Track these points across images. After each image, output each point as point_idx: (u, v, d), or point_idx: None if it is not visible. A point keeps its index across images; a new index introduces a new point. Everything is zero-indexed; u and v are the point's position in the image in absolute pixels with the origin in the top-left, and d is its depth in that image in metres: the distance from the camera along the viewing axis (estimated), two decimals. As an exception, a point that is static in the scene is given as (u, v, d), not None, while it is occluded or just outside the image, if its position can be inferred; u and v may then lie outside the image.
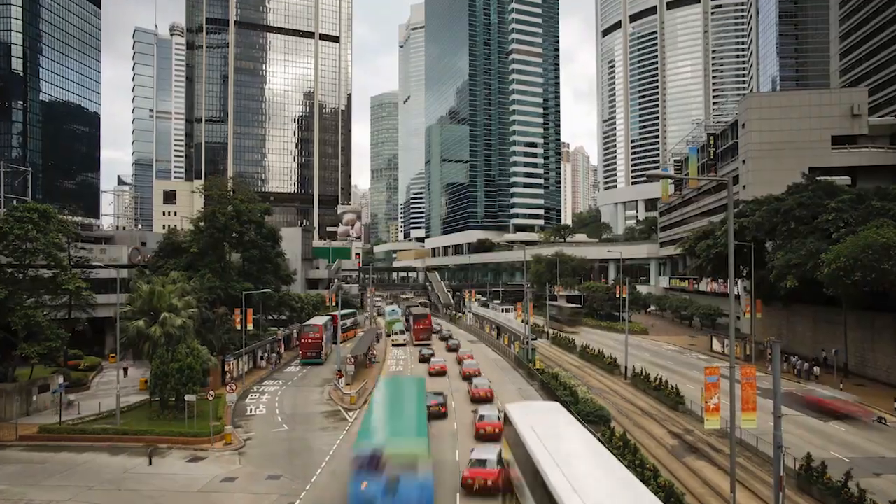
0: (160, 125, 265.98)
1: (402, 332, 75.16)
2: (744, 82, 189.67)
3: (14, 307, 35.73)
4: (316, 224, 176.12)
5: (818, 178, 54.07)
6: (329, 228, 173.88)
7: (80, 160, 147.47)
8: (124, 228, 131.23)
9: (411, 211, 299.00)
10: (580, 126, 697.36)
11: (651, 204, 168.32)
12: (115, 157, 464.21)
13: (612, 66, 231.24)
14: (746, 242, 50.78)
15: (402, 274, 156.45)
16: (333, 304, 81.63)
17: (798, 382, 44.57)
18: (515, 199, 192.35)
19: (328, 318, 66.03)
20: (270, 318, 70.87)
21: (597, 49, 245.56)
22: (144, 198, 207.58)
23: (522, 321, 59.52)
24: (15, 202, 43.59)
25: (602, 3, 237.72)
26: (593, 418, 32.18)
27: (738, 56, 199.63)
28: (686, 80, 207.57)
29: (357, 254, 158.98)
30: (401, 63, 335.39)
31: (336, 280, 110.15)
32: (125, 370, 48.61)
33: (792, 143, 66.26)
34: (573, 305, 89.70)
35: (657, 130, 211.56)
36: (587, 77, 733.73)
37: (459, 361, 54.85)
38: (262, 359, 54.91)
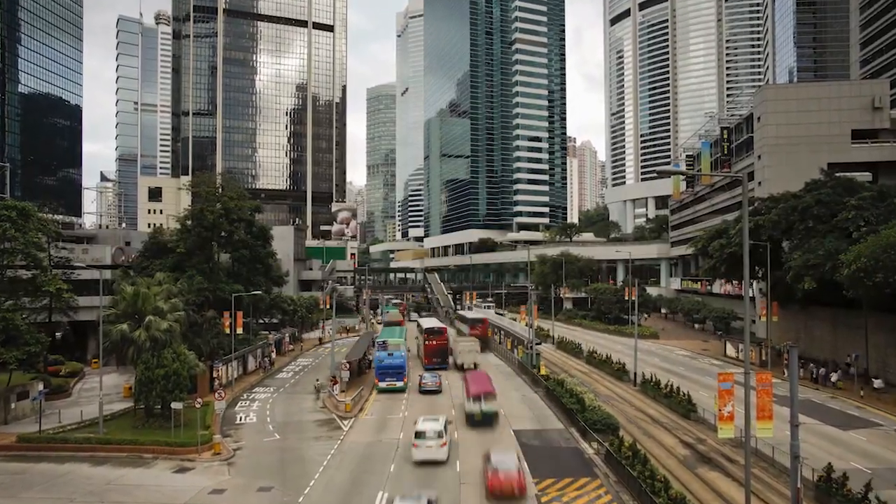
0: (145, 119, 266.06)
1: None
2: (759, 73, 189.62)
3: (-9, 310, 35.70)
4: (309, 223, 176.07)
5: (837, 175, 54.03)
6: (323, 227, 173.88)
7: (60, 155, 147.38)
8: (107, 227, 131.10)
9: (409, 209, 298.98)
10: (587, 119, 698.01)
11: (662, 201, 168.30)
12: (98, 152, 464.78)
13: (620, 57, 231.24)
14: (762, 242, 50.76)
15: (400, 275, 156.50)
16: (327, 306, 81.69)
17: (817, 389, 44.60)
18: (519, 197, 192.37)
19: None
20: (261, 321, 70.90)
21: (604, 38, 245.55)
22: (129, 195, 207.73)
23: (526, 325, 59.54)
24: (-8, 199, 43.58)
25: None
26: (601, 427, 32.22)
27: (753, 46, 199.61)
28: (698, 71, 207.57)
29: (352, 254, 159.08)
30: (398, 53, 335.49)
31: (330, 282, 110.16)
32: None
33: (810, 138, 66.25)
34: None
35: (668, 124, 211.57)
36: (595, 65, 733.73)
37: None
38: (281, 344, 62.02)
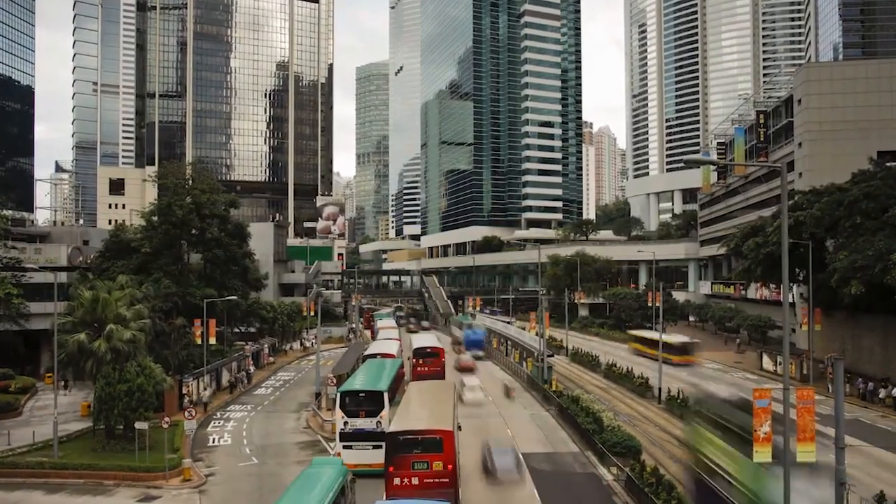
0: (106, 101, 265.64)
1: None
2: (800, 50, 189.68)
3: (-68, 318, 35.73)
4: (291, 219, 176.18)
5: (888, 164, 54.00)
6: (307, 224, 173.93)
7: (9, 143, 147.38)
8: (63, 224, 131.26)
9: (404, 203, 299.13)
10: (606, 101, 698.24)
11: (690, 195, 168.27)
12: (53, 139, 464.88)
13: (643, 32, 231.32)
14: (803, 240, 50.73)
15: (394, 278, 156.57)
16: (312, 313, 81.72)
17: (865, 407, 44.65)
18: (528, 190, 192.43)
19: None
20: (237, 330, 70.93)
21: (625, 10, 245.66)
22: (87, 187, 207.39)
23: (536, 334, 59.56)
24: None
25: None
26: (621, 449, 32.24)
27: (792, 20, 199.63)
28: (731, 47, 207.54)
29: (340, 254, 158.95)
30: (392, 28, 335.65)
31: (315, 285, 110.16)
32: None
33: (857, 123, 66.20)
34: None
35: (697, 107, 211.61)
36: (615, 39, 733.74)
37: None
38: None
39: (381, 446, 29.03)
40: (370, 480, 28.12)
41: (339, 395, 33.07)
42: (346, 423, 31.74)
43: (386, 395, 32.68)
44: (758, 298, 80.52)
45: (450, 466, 24.09)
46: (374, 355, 49.21)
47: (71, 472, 31.43)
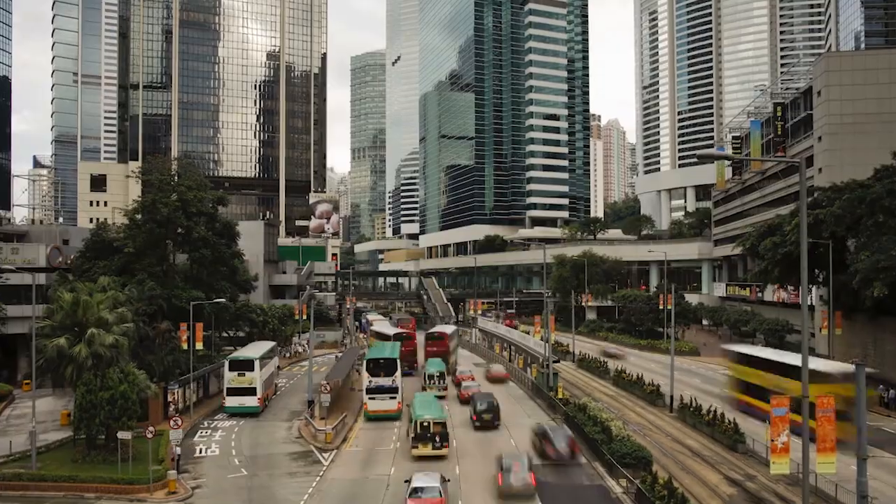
0: (87, 93, 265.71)
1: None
2: (819, 39, 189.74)
3: None
4: (282, 217, 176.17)
5: (913, 160, 53.97)
6: (299, 222, 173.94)
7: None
8: (41, 222, 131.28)
9: (402, 201, 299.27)
10: (615, 93, 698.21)
11: (703, 192, 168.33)
12: (30, 132, 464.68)
13: (654, 19, 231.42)
14: (823, 240, 50.75)
15: (391, 279, 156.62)
16: (304, 316, 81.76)
17: (888, 416, 44.66)
18: (533, 186, 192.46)
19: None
20: (225, 334, 70.92)
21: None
22: (67, 184, 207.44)
23: (541, 339, 59.60)
24: None
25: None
26: (630, 460, 32.27)
27: (811, 6, 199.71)
28: (747, 36, 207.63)
29: (334, 254, 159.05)
30: (388, 15, 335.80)
31: (308, 287, 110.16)
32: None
33: (880, 115, 66.24)
34: None
35: (711, 100, 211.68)
36: (625, 26, 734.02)
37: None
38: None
39: (395, 397, 46.37)
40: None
41: (366, 361, 48.24)
42: (370, 381, 46.44)
43: (398, 362, 48.17)
44: (775, 301, 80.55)
45: None
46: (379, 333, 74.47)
47: (50, 484, 31.43)
